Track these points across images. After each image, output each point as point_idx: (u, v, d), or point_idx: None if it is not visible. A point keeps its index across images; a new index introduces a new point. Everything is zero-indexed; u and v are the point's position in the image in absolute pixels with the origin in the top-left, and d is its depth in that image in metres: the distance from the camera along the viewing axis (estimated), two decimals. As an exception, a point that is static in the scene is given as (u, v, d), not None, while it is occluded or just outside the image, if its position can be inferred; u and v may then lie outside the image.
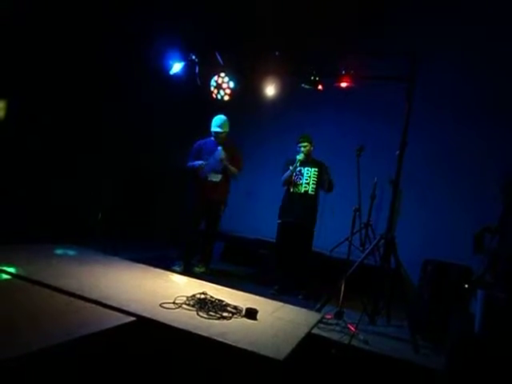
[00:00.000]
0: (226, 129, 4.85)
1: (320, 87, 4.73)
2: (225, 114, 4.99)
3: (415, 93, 4.05)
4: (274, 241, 4.93)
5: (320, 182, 4.71)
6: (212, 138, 4.89)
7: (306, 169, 4.74)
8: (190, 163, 4.92)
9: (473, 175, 5.25)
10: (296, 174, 4.73)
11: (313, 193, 4.71)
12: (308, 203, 4.70)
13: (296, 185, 4.73)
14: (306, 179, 4.72)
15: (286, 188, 4.86)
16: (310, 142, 4.76)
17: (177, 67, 5.03)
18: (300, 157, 4.66)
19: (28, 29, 4.73)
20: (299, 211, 4.69)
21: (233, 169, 4.88)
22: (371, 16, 5.76)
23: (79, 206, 5.77)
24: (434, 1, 5.48)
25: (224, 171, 4.84)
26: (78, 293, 3.00)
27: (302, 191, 4.71)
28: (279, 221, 4.84)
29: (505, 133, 5.08)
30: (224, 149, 4.83)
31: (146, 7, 5.90)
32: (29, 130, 4.96)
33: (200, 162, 4.84)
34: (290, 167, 4.69)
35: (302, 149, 4.71)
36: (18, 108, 4.86)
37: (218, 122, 4.82)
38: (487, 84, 5.23)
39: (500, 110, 5.16)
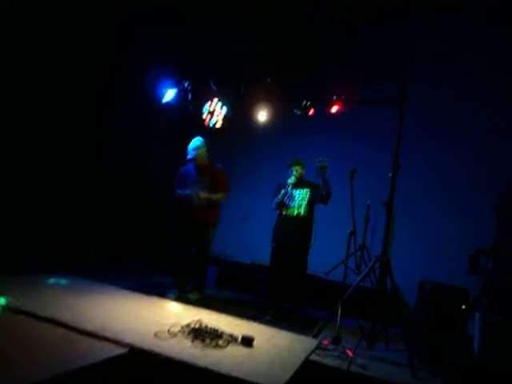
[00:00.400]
0: (199, 151, 4.73)
1: (311, 112, 4.81)
2: (217, 140, 5.02)
3: (407, 115, 4.12)
4: (269, 265, 4.88)
5: (314, 200, 4.71)
6: (192, 164, 4.82)
7: (297, 191, 4.74)
8: (178, 191, 4.87)
9: (467, 196, 5.28)
10: (288, 197, 4.73)
11: (305, 215, 4.69)
12: (300, 226, 4.69)
13: (288, 208, 4.73)
14: (299, 202, 4.72)
15: (278, 212, 4.86)
16: (302, 166, 4.79)
17: (169, 94, 5.09)
18: (291, 180, 4.68)
19: (31, 45, 4.82)
20: (292, 234, 4.67)
21: (216, 197, 4.80)
22: (360, 40, 5.89)
23: (73, 233, 5.75)
24: (423, 22, 5.59)
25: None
26: (73, 324, 2.96)
27: (295, 214, 4.70)
28: (272, 244, 4.82)
29: (498, 153, 5.14)
30: (205, 174, 4.78)
31: (139, 36, 6.04)
32: (21, 156, 4.99)
33: (187, 192, 4.77)
34: (282, 190, 4.71)
35: (294, 172, 4.73)
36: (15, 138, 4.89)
37: (189, 148, 4.75)
38: (478, 104, 5.31)
39: (492, 130, 5.23)
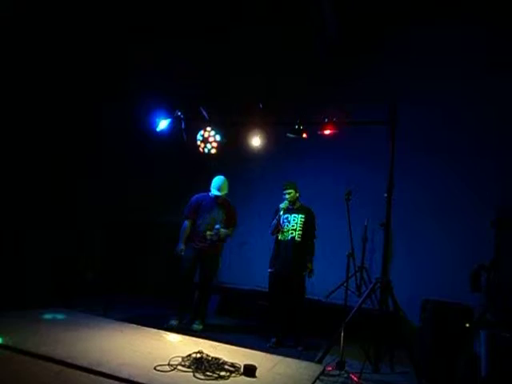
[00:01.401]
0: (225, 191, 4.92)
1: (305, 135, 4.82)
2: (212, 167, 5.05)
3: (401, 136, 4.15)
4: (267, 291, 4.79)
5: (306, 230, 4.68)
6: (210, 195, 4.92)
7: (292, 216, 4.72)
8: (182, 230, 4.91)
9: (463, 213, 5.28)
10: (283, 222, 4.71)
11: (299, 239, 4.65)
12: (295, 250, 4.63)
13: (283, 232, 4.71)
14: (293, 225, 4.68)
15: (275, 236, 4.82)
16: (295, 189, 4.77)
17: (163, 124, 5.13)
18: (283, 205, 4.66)
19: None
20: (287, 259, 4.62)
21: (230, 232, 4.99)
22: (351, 63, 6.01)
23: (68, 266, 5.68)
24: (415, 43, 5.72)
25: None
26: (68, 360, 2.88)
27: (289, 238, 4.66)
28: (269, 270, 4.75)
29: (493, 169, 5.17)
30: (223, 210, 4.92)
31: (132, 69, 6.14)
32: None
33: (181, 247, 4.82)
34: (276, 217, 4.69)
35: (287, 196, 4.71)
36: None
37: (217, 185, 4.88)
38: (470, 123, 5.36)
39: (487, 146, 5.27)
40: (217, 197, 4.88)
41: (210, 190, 4.92)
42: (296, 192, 4.77)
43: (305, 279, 4.65)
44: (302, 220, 4.68)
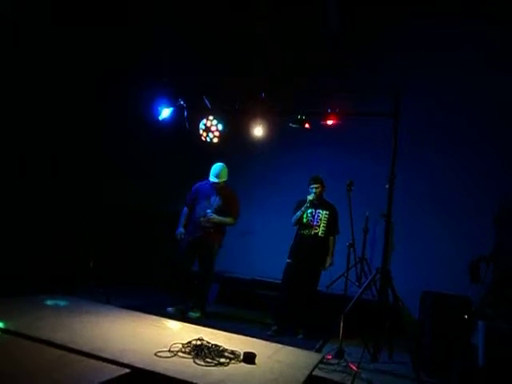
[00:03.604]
0: (223, 178, 4.89)
1: (307, 126, 4.82)
2: (214, 156, 5.05)
3: (402, 127, 4.15)
4: (280, 281, 4.77)
5: (329, 226, 4.68)
6: (210, 181, 4.92)
7: (317, 211, 4.71)
8: (181, 214, 4.99)
9: (464, 204, 5.29)
10: (307, 216, 4.71)
11: (323, 235, 4.65)
12: (318, 246, 4.64)
13: (307, 227, 4.69)
14: (317, 222, 4.67)
15: (296, 229, 4.81)
16: (322, 184, 4.72)
17: (166, 112, 5.12)
18: (311, 197, 4.63)
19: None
20: (309, 253, 4.62)
21: (226, 221, 4.92)
22: (355, 53, 5.96)
23: (70, 253, 5.71)
24: (419, 36, 5.67)
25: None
26: (70, 345, 2.90)
27: (313, 233, 4.66)
28: (288, 261, 4.72)
29: (494, 161, 5.16)
30: (220, 196, 4.90)
31: (135, 58, 6.11)
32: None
33: (181, 231, 4.90)
34: (302, 208, 4.68)
35: (314, 190, 4.67)
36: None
37: (215, 172, 4.86)
38: (474, 115, 5.35)
39: (489, 139, 5.26)
40: (215, 183, 4.87)
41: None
42: (323, 187, 4.73)
43: (320, 274, 4.68)
44: (327, 216, 4.68)
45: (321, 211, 4.70)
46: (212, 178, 4.86)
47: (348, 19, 5.71)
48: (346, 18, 5.66)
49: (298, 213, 4.70)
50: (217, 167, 4.89)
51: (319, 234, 4.65)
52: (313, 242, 4.64)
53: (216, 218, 4.84)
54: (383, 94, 4.29)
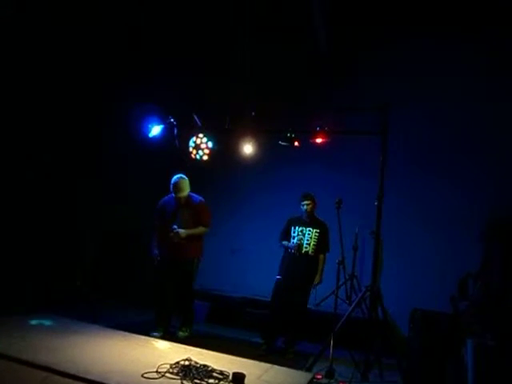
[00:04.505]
0: (185, 191, 4.67)
1: (296, 144, 4.86)
2: (205, 174, 5.02)
3: (390, 144, 4.20)
4: (270, 298, 4.75)
5: (320, 245, 4.66)
6: (174, 197, 4.73)
7: (307, 229, 4.68)
8: (152, 238, 4.80)
9: (452, 220, 5.31)
10: (298, 234, 4.67)
11: (312, 254, 4.63)
12: (308, 264, 4.62)
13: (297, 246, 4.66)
14: (307, 240, 4.64)
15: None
16: (313, 200, 4.70)
17: (156, 130, 5.13)
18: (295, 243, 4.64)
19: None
20: (298, 271, 4.58)
21: (196, 231, 4.71)
22: (343, 72, 6.05)
23: (57, 273, 5.64)
24: (406, 55, 5.77)
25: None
26: (55, 367, 2.84)
27: (303, 252, 4.63)
28: (278, 277, 4.69)
29: (482, 179, 5.21)
30: (186, 209, 4.71)
31: (124, 76, 6.15)
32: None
33: (156, 253, 4.72)
34: (292, 239, 4.66)
35: (305, 206, 4.66)
36: None
37: (174, 186, 4.65)
38: (461, 131, 5.40)
39: (477, 156, 5.30)
40: (178, 198, 4.69)
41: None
42: (314, 203, 4.71)
43: (310, 291, 4.66)
44: (317, 235, 4.66)
45: (311, 229, 4.68)
46: (174, 194, 4.67)
47: (335, 38, 5.82)
48: (333, 37, 5.77)
49: (287, 245, 4.68)
50: (175, 181, 4.65)
51: (309, 252, 4.63)
52: (302, 260, 4.62)
53: (184, 232, 4.60)
54: (371, 112, 4.35)
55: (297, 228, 4.70)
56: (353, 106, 5.43)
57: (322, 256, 4.69)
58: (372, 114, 4.35)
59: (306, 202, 4.67)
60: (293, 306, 4.55)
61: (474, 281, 3.94)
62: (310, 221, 4.72)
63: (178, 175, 4.69)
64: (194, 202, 4.79)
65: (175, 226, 4.59)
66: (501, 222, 4.76)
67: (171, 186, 4.66)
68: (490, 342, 2.81)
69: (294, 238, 4.68)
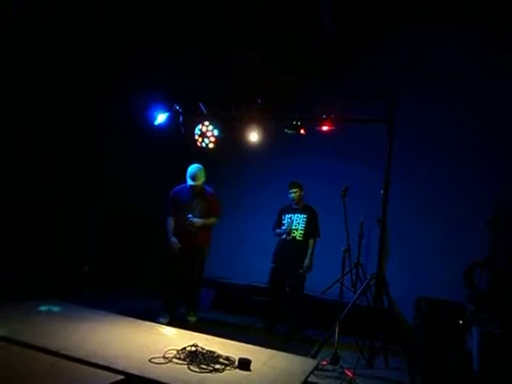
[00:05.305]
0: (200, 181, 4.73)
1: (302, 132, 4.82)
2: (211, 162, 5.02)
3: (397, 133, 4.17)
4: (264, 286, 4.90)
5: (308, 229, 4.78)
6: (187, 185, 4.77)
7: (295, 215, 4.84)
8: (166, 226, 4.81)
9: (459, 209, 5.30)
10: (287, 221, 4.84)
11: (301, 238, 4.77)
12: (297, 249, 4.75)
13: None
14: (295, 225, 4.80)
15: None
16: (300, 188, 4.87)
17: (161, 118, 5.11)
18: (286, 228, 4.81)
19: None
20: (288, 257, 4.75)
21: (209, 221, 4.81)
22: (350, 60, 6.00)
23: (64, 259, 5.68)
24: (413, 43, 5.70)
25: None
26: (63, 352, 2.88)
27: (291, 237, 4.78)
28: (271, 265, 4.89)
29: (490, 168, 5.19)
30: (200, 198, 4.78)
31: (131, 63, 6.12)
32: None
33: (174, 240, 4.72)
34: (283, 226, 4.82)
35: (293, 194, 4.85)
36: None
37: (190, 174, 4.71)
38: (469, 124, 5.37)
39: (482, 146, 5.28)
40: (193, 187, 4.73)
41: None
42: (301, 191, 4.88)
43: (304, 276, 4.71)
44: (305, 220, 4.80)
45: (299, 215, 4.83)
46: (189, 181, 4.72)
47: (342, 25, 5.76)
48: (340, 24, 5.71)
49: (280, 231, 4.87)
50: (192, 169, 4.73)
51: (297, 237, 4.76)
52: (291, 246, 4.75)
53: (198, 221, 4.71)
54: (378, 100, 4.31)
55: (286, 216, 4.88)
56: (360, 94, 5.38)
57: (311, 241, 4.80)
58: (379, 102, 4.30)
59: (293, 190, 4.85)
60: (289, 291, 4.68)
61: (480, 269, 3.94)
62: (297, 207, 4.87)
63: (196, 164, 4.79)
64: (207, 193, 4.88)
65: (190, 215, 4.70)
66: (508, 210, 4.73)
67: (188, 174, 4.73)
68: (495, 329, 2.82)
69: (283, 225, 4.86)
